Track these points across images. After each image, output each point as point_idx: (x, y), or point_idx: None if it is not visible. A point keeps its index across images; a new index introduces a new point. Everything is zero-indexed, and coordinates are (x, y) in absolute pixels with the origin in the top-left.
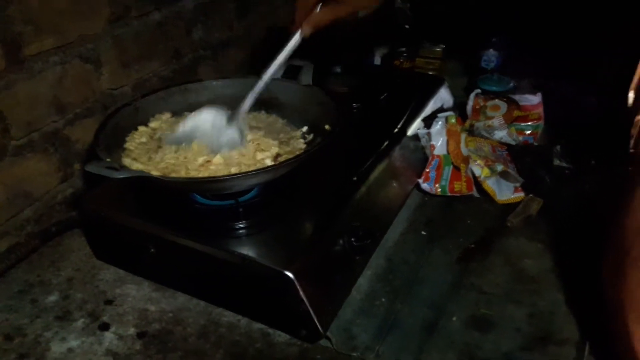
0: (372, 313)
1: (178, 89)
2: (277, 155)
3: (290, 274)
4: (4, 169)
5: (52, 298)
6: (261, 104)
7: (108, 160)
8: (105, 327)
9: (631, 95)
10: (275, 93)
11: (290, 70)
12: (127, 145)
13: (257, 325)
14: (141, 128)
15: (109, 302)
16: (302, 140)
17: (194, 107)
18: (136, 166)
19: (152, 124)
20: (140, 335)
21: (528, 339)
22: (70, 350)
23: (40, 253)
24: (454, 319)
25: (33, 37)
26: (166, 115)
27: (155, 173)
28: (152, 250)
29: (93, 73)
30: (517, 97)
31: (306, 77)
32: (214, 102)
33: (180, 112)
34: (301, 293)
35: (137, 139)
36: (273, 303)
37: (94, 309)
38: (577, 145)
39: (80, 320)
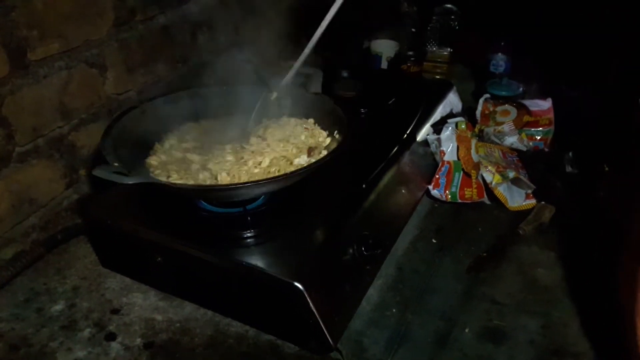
0: (383, 324)
1: (185, 93)
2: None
3: (299, 285)
4: (9, 175)
5: (58, 307)
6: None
7: (116, 164)
8: (111, 337)
9: None
10: (283, 101)
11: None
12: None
13: (266, 337)
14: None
15: (115, 311)
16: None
17: (201, 113)
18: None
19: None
20: (147, 345)
21: (542, 352)
22: None
23: (46, 261)
24: (466, 330)
25: (38, 42)
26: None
27: (162, 179)
28: (159, 258)
29: (98, 78)
30: (527, 102)
31: (316, 85)
32: (222, 108)
33: (189, 118)
34: (311, 305)
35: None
36: (282, 314)
37: (100, 319)
38: (589, 151)
39: (86, 330)
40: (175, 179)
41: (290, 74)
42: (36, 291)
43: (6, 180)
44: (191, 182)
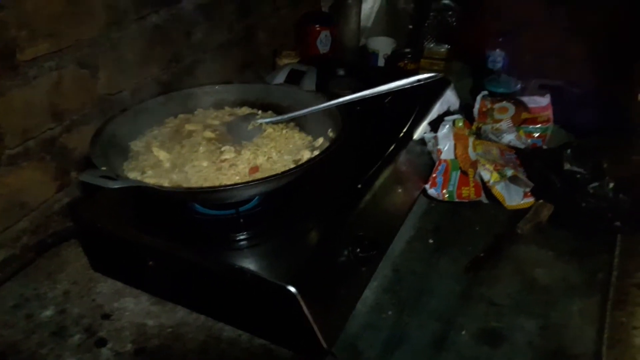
0: (379, 327)
1: (178, 94)
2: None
3: (292, 289)
4: None
5: (48, 313)
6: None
7: (104, 168)
8: (102, 342)
9: None
10: (278, 99)
11: (293, 75)
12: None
13: (259, 341)
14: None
15: (106, 316)
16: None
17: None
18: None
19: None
20: (138, 351)
21: (541, 353)
22: None
23: (36, 265)
24: (463, 332)
25: (28, 42)
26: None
27: (152, 181)
28: (150, 262)
29: (90, 78)
30: (525, 98)
31: (309, 82)
32: (215, 107)
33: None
34: (304, 309)
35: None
36: (275, 318)
37: (90, 324)
38: (588, 148)
39: (76, 335)
40: (150, 175)
41: (280, 118)
42: (26, 297)
43: None
44: (166, 182)
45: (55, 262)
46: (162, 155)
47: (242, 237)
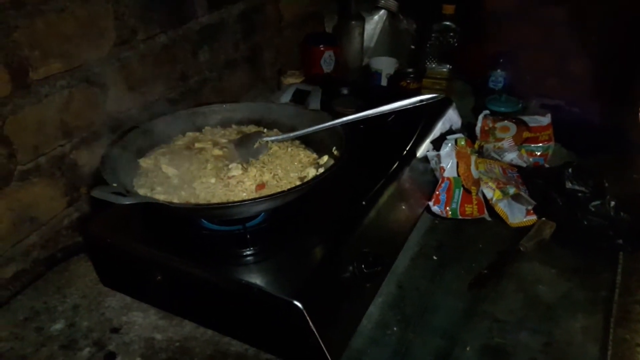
0: (384, 342)
1: (186, 112)
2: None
3: (299, 304)
4: (10, 194)
5: (58, 326)
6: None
7: (114, 185)
8: (111, 356)
9: None
10: (284, 118)
11: (298, 94)
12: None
13: (266, 356)
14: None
15: (115, 330)
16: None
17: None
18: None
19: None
20: None
21: None
22: None
23: (46, 279)
24: (468, 348)
25: (40, 62)
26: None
27: (161, 198)
28: (159, 277)
29: (99, 96)
30: (526, 118)
31: (314, 101)
32: (223, 125)
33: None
34: (310, 324)
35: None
36: (281, 333)
37: (99, 338)
38: (588, 166)
39: (86, 349)
40: (160, 192)
41: (286, 136)
42: (36, 310)
43: (7, 199)
44: (175, 198)
45: (65, 276)
46: (170, 172)
47: (248, 252)
